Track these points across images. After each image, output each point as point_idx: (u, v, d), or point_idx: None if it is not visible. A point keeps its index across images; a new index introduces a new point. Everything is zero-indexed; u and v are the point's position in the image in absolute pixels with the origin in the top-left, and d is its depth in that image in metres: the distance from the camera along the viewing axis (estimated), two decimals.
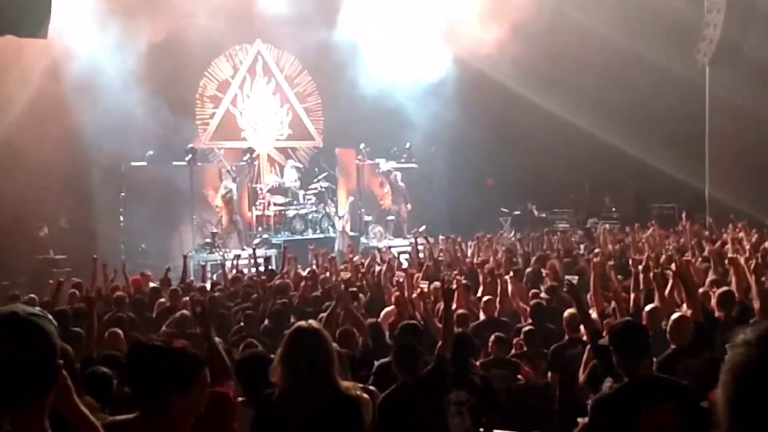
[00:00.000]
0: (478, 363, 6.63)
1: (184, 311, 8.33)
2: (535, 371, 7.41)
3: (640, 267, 8.22)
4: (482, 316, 8.48)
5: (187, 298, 9.63)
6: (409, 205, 22.95)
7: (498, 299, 8.72)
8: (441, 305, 7.22)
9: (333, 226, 21.30)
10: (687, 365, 5.37)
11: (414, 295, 8.50)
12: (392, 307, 8.58)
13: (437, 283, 9.15)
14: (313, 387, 3.60)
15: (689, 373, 5.08)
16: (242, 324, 8.46)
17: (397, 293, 8.47)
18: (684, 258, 10.10)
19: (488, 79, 21.83)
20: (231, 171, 20.68)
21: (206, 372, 2.68)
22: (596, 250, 13.50)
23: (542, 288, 9.86)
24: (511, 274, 9.84)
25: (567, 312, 7.34)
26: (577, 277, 8.99)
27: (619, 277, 9.74)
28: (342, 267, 13.27)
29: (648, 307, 6.71)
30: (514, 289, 9.33)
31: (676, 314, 6.00)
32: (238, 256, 16.16)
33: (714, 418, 4.44)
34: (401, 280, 9.74)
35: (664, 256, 11.32)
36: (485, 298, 8.78)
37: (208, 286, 12.30)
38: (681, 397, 3.97)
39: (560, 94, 21.36)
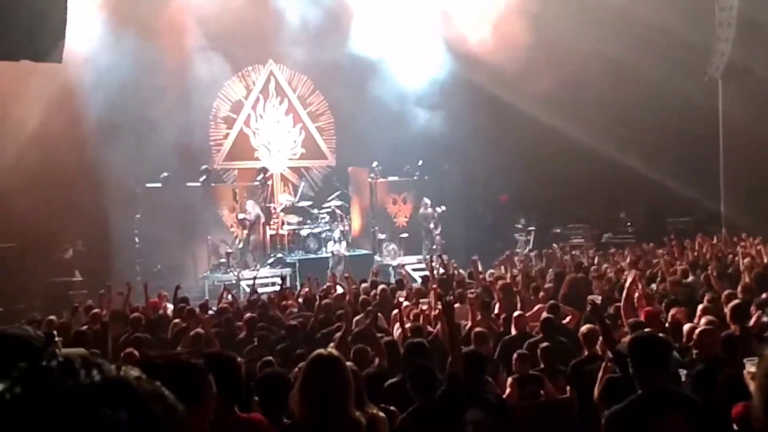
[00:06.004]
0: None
1: (199, 330, 8.35)
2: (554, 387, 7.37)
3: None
4: (513, 331, 8.50)
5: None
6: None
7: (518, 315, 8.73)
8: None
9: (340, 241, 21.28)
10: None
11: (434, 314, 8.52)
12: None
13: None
14: (330, 417, 3.58)
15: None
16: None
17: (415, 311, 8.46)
18: None
19: (501, 97, 21.84)
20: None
21: (212, 384, 2.67)
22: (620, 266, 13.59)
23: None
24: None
25: (584, 327, 7.31)
26: (600, 297, 9.01)
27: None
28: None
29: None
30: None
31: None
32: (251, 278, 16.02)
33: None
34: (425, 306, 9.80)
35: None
36: (516, 314, 8.79)
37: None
38: (692, 410, 3.93)
39: (572, 111, 21.32)
